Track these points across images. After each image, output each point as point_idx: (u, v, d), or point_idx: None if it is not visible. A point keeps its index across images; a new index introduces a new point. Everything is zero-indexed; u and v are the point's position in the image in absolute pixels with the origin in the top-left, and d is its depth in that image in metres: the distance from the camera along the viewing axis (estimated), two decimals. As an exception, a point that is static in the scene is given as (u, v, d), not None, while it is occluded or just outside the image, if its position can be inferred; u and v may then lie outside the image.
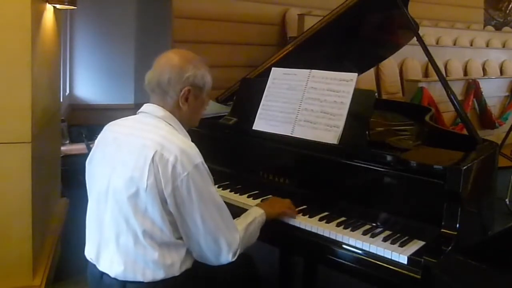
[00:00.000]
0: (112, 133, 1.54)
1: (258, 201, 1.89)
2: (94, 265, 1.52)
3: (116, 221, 1.43)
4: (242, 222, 1.57)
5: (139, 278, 1.42)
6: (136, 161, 1.41)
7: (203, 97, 1.59)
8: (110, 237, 1.45)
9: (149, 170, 1.38)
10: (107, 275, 1.47)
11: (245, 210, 1.82)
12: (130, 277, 1.43)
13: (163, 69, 1.51)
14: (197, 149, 1.45)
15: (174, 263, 1.44)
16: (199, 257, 1.48)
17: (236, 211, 1.65)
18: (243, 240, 1.52)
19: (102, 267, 1.48)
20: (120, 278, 1.44)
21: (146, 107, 1.55)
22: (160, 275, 1.42)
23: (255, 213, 1.64)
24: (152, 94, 1.54)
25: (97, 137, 1.60)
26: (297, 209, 1.79)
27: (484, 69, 7.18)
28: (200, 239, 1.43)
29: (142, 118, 1.53)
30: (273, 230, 1.76)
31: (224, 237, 1.45)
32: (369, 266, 1.53)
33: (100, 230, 1.49)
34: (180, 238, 1.45)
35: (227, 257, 1.46)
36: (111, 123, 1.59)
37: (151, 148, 1.40)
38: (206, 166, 1.45)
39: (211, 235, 1.43)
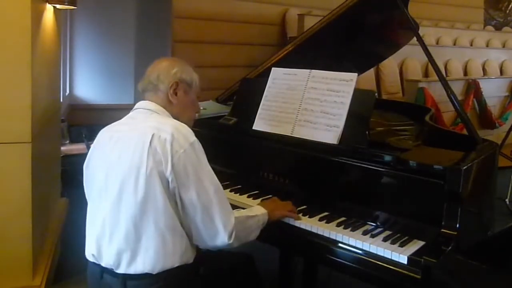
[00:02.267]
0: (108, 133, 1.57)
1: (258, 201, 1.89)
2: (94, 265, 1.52)
3: (117, 211, 1.44)
4: (242, 212, 1.60)
5: (139, 268, 1.43)
6: (135, 147, 1.44)
7: (192, 95, 1.67)
8: (112, 229, 1.45)
9: (148, 153, 1.41)
10: (108, 273, 1.48)
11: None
12: (130, 269, 1.43)
13: (152, 71, 1.62)
14: (189, 129, 1.51)
15: (175, 254, 1.44)
16: (196, 239, 1.48)
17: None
18: (239, 228, 1.51)
19: (104, 260, 1.48)
20: (121, 270, 1.44)
21: (138, 104, 1.62)
22: (159, 264, 1.42)
23: (257, 211, 1.65)
24: (145, 94, 1.62)
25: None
26: (297, 209, 1.80)
27: (484, 69, 7.19)
28: (196, 217, 1.44)
29: (135, 114, 1.60)
30: (274, 230, 1.76)
31: (219, 216, 1.46)
32: (369, 266, 1.53)
33: (100, 224, 1.49)
34: (183, 223, 1.46)
35: (223, 238, 1.47)
36: (106, 127, 1.62)
37: (147, 133, 1.44)
38: (200, 145, 1.49)
39: (207, 213, 1.44)
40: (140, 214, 1.41)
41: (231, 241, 1.48)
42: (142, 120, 1.54)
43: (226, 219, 1.48)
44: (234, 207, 1.73)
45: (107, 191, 1.47)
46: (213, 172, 1.50)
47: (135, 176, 1.41)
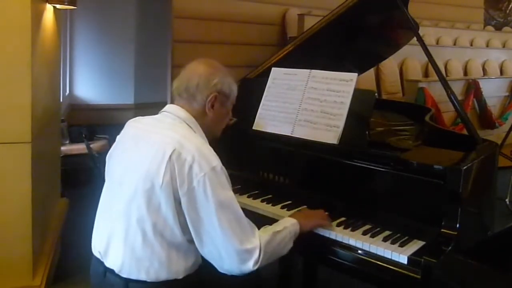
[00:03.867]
0: (133, 129, 1.56)
1: (258, 201, 1.89)
2: (98, 262, 1.52)
3: (128, 215, 1.43)
4: (269, 229, 1.52)
5: (143, 276, 1.42)
6: (154, 156, 1.41)
7: (229, 106, 1.62)
8: (121, 232, 1.45)
9: (166, 167, 1.38)
10: (111, 273, 1.47)
11: (246, 210, 1.82)
12: (134, 275, 1.43)
13: (191, 76, 1.54)
14: (214, 152, 1.44)
15: (179, 267, 1.43)
16: (220, 266, 1.43)
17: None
18: (267, 249, 1.44)
19: (109, 261, 1.48)
20: (124, 275, 1.44)
21: (168, 107, 1.56)
22: (163, 275, 1.42)
23: (286, 222, 1.58)
24: (179, 98, 1.55)
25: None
26: (296, 209, 1.79)
27: (484, 69, 7.18)
28: (219, 244, 1.39)
29: (163, 117, 1.55)
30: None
31: (242, 244, 1.39)
32: (369, 266, 1.53)
33: (110, 223, 1.48)
34: (191, 240, 1.43)
35: (248, 265, 1.41)
36: (132, 119, 1.60)
37: (169, 145, 1.40)
38: (224, 170, 1.43)
39: (228, 240, 1.38)
40: (150, 226, 1.40)
41: (256, 267, 1.41)
42: (168, 126, 1.49)
43: (250, 245, 1.41)
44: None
45: (121, 192, 1.46)
46: (234, 198, 1.44)
47: (150, 186, 1.39)
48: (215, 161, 1.42)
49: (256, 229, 1.47)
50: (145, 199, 1.40)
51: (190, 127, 1.51)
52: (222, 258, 1.40)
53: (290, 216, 1.66)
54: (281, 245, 1.51)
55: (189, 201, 1.38)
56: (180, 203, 1.38)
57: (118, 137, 1.59)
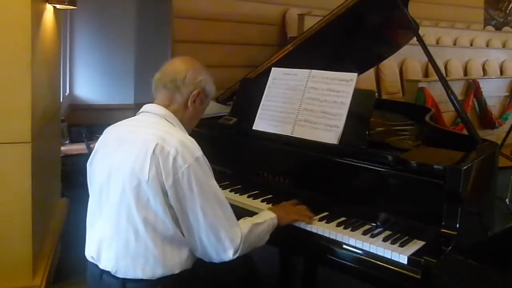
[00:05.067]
0: (113, 133, 1.57)
1: (258, 201, 1.89)
2: (94, 265, 1.52)
3: (117, 215, 1.44)
4: (249, 221, 1.57)
5: (139, 274, 1.43)
6: (137, 154, 1.42)
7: (205, 105, 1.66)
8: (112, 233, 1.46)
9: (151, 163, 1.40)
10: (107, 274, 1.48)
11: (246, 210, 1.82)
12: (130, 274, 1.43)
13: (178, 69, 1.57)
14: (196, 143, 1.48)
15: (175, 262, 1.44)
16: (201, 253, 1.47)
17: (236, 211, 1.62)
18: (247, 239, 1.50)
19: (103, 264, 1.48)
20: (120, 275, 1.44)
21: (146, 107, 1.59)
22: (159, 271, 1.43)
23: (266, 215, 1.63)
24: (162, 89, 1.57)
25: (97, 137, 1.61)
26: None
27: (484, 69, 7.18)
28: (202, 234, 1.43)
29: (142, 117, 1.57)
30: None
31: (226, 232, 1.44)
32: (369, 266, 1.53)
33: (101, 227, 1.50)
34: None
35: (228, 254, 1.45)
36: (110, 126, 1.61)
37: (152, 141, 1.42)
38: (206, 159, 1.47)
39: (212, 230, 1.43)
40: (141, 223, 1.41)
41: (235, 256, 1.46)
42: (149, 124, 1.51)
43: (232, 235, 1.46)
44: (234, 207, 1.74)
45: (109, 194, 1.47)
46: (218, 187, 1.48)
47: (137, 184, 1.40)
48: (198, 151, 1.45)
49: (236, 220, 1.51)
50: (133, 197, 1.41)
51: (170, 122, 1.54)
52: (204, 245, 1.44)
53: (270, 209, 1.70)
54: (259, 237, 1.57)
55: (175, 192, 1.40)
56: (167, 196, 1.40)
57: (97, 144, 1.60)
